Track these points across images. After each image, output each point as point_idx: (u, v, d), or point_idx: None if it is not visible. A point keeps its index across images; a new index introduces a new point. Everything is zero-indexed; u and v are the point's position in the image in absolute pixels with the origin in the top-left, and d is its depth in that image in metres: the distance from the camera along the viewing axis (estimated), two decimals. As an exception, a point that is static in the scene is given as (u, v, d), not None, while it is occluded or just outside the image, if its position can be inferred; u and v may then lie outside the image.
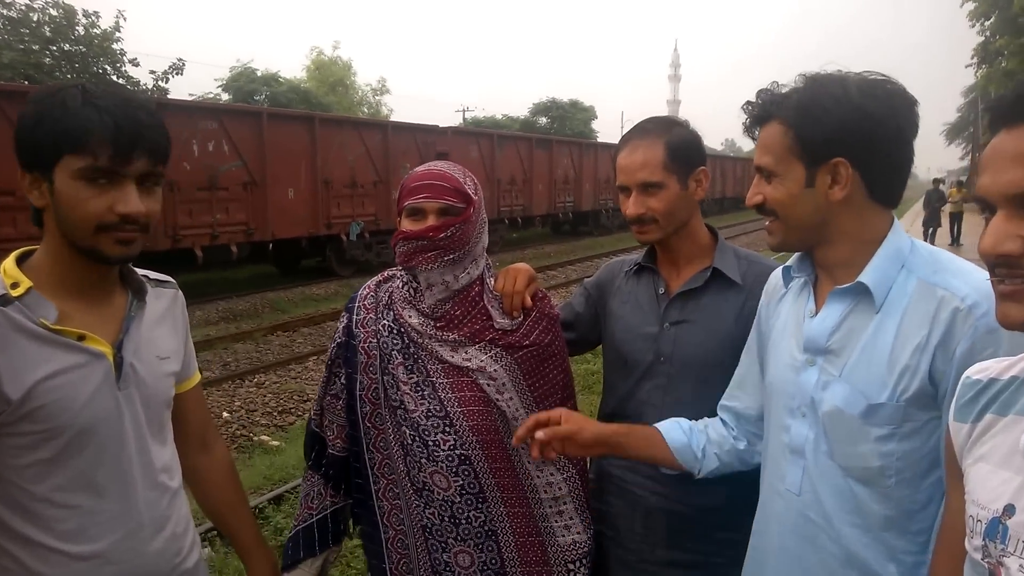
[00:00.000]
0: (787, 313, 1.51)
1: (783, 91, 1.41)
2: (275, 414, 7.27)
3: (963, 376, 1.10)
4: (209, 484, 1.71)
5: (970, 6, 27.18)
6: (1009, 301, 0.93)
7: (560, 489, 1.74)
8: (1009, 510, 0.91)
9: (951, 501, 1.10)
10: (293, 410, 7.36)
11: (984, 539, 0.93)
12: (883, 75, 1.36)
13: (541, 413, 1.59)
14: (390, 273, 1.83)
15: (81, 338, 1.35)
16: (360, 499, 1.78)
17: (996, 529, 0.92)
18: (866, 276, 1.34)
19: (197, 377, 1.70)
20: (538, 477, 1.73)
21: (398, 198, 1.72)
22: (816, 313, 1.42)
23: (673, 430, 1.67)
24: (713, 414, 1.73)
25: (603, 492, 1.91)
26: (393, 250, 1.70)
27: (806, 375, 1.40)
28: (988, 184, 0.93)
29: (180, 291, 1.65)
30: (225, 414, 7.10)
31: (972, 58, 27.81)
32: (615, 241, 23.88)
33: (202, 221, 12.18)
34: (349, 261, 15.50)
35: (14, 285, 1.30)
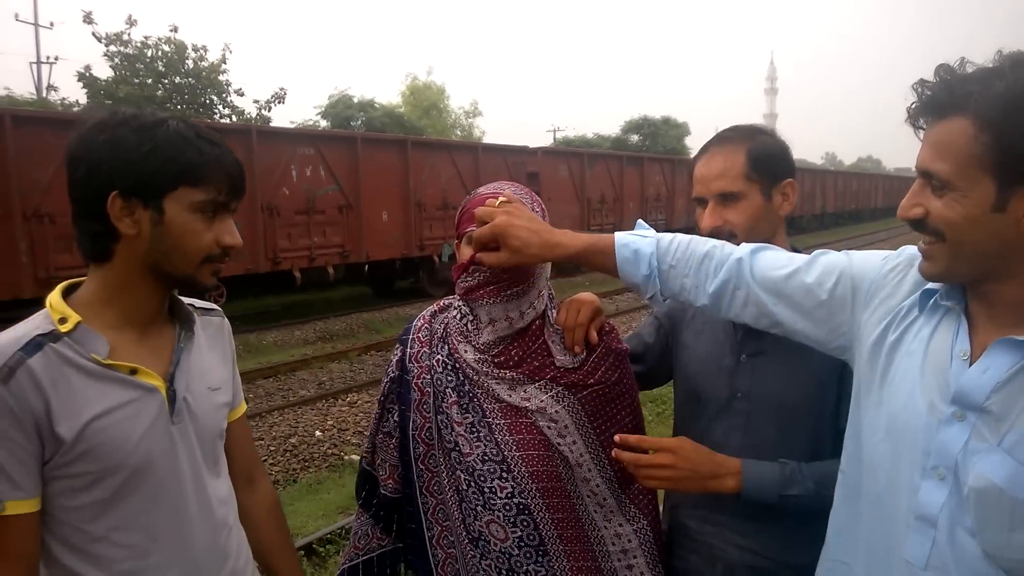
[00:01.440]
0: (922, 343, 1.22)
1: (980, 74, 1.07)
2: (366, 433, 7.32)
3: None
4: (253, 522, 1.64)
5: None
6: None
7: (630, 542, 1.61)
8: None
9: None
10: (383, 430, 7.42)
11: None
12: None
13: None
14: (447, 303, 1.72)
15: (133, 372, 1.32)
16: (413, 545, 1.68)
17: None
18: None
19: (243, 407, 1.66)
20: (605, 528, 1.60)
21: (457, 223, 1.61)
22: (971, 358, 1.14)
23: (628, 271, 1.47)
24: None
25: (677, 546, 1.76)
26: (454, 283, 1.60)
27: (951, 432, 1.13)
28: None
29: (226, 319, 1.62)
30: (318, 433, 7.24)
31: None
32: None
33: (300, 244, 12.57)
34: (441, 282, 15.67)
35: (62, 320, 1.28)
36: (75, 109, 19.25)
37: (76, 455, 1.25)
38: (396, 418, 1.67)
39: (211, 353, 1.51)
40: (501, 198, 1.49)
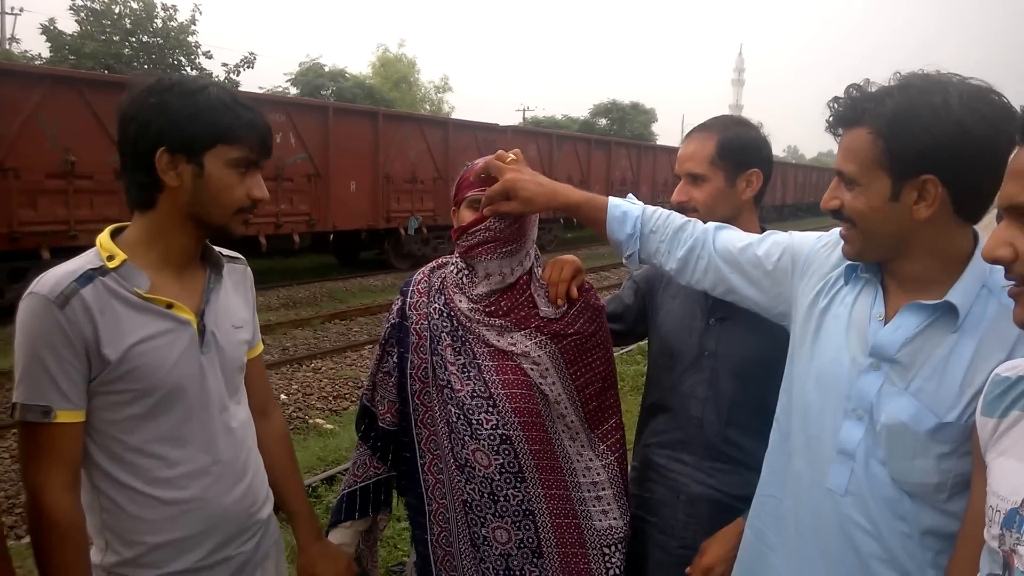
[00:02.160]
0: (846, 308, 1.46)
1: (876, 92, 1.32)
2: (330, 399, 7.51)
3: (993, 373, 1.13)
4: (265, 448, 1.82)
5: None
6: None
7: (599, 475, 1.80)
8: None
9: (975, 493, 1.13)
10: (348, 396, 7.59)
11: (1001, 528, 0.97)
12: (987, 84, 1.26)
13: None
14: (444, 260, 1.91)
15: (169, 306, 1.50)
16: (406, 472, 1.86)
17: (1013, 519, 0.96)
18: (954, 295, 1.29)
19: (260, 347, 1.85)
20: (578, 461, 1.79)
21: (456, 190, 1.80)
22: (885, 319, 1.38)
23: (615, 228, 1.72)
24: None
25: (646, 480, 1.97)
26: (453, 242, 1.79)
27: (868, 379, 1.36)
28: (999, 196, 1.02)
29: (249, 267, 1.80)
30: (283, 396, 7.37)
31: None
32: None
33: (267, 210, 12.51)
34: (406, 255, 15.76)
35: (110, 257, 1.46)
36: (38, 62, 18.80)
37: (119, 375, 1.43)
38: (395, 359, 1.85)
39: (235, 296, 1.70)
40: (511, 156, 1.71)
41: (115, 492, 1.49)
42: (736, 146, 1.86)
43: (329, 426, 6.53)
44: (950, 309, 1.30)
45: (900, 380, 1.33)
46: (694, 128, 1.95)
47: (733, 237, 1.69)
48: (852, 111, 1.33)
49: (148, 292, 1.47)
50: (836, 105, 1.37)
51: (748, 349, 1.81)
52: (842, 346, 1.42)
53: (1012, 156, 1.02)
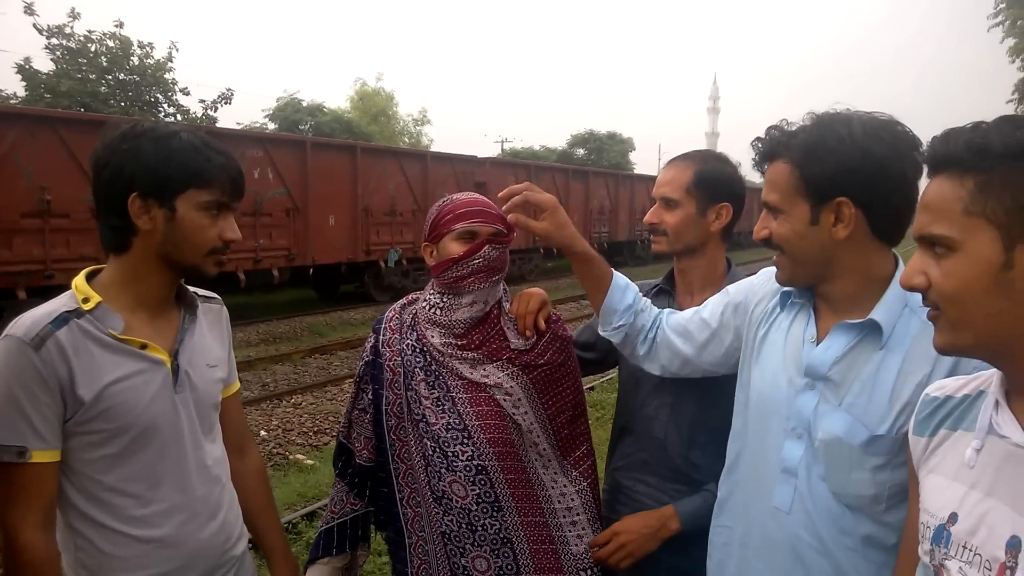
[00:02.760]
0: (782, 332, 1.55)
1: (791, 129, 1.45)
2: (311, 434, 7.44)
3: (924, 393, 1.19)
4: (241, 485, 1.84)
5: (1010, 42, 26.89)
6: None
7: (573, 500, 1.85)
8: (953, 518, 1.00)
9: (911, 508, 1.18)
10: (328, 430, 7.53)
11: (931, 544, 1.02)
12: (890, 117, 1.41)
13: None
14: (414, 297, 1.95)
15: (143, 347, 1.52)
16: (385, 507, 1.89)
17: (941, 535, 1.01)
18: (877, 314, 1.38)
19: (237, 385, 1.88)
20: (552, 488, 1.83)
21: (436, 223, 1.81)
22: (817, 340, 1.46)
23: (616, 297, 1.79)
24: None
25: (615, 502, 2.03)
26: (437, 275, 1.81)
27: (804, 398, 1.44)
28: (913, 227, 1.11)
29: (224, 307, 1.83)
30: (263, 432, 7.30)
31: (1013, 94, 27.44)
32: (650, 272, 23.67)
33: (246, 246, 12.50)
34: (386, 287, 15.76)
35: (85, 300, 1.48)
36: (13, 102, 18.74)
37: (94, 414, 1.45)
38: (370, 396, 1.88)
39: (211, 335, 1.72)
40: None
41: (90, 531, 1.50)
42: (711, 178, 1.93)
43: (310, 461, 6.48)
44: (875, 327, 1.38)
45: (833, 397, 1.40)
46: (676, 156, 2.04)
47: (681, 313, 1.83)
48: (771, 146, 1.47)
49: (122, 333, 1.49)
50: (759, 144, 1.51)
51: (707, 375, 1.85)
52: (779, 369, 1.51)
53: (923, 189, 1.10)
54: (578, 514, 1.85)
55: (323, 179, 13.77)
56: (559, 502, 1.83)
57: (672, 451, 1.92)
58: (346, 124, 28.26)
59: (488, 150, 45.05)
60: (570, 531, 1.84)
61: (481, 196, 1.86)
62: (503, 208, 1.77)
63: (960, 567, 0.97)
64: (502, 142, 47.36)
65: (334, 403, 8.48)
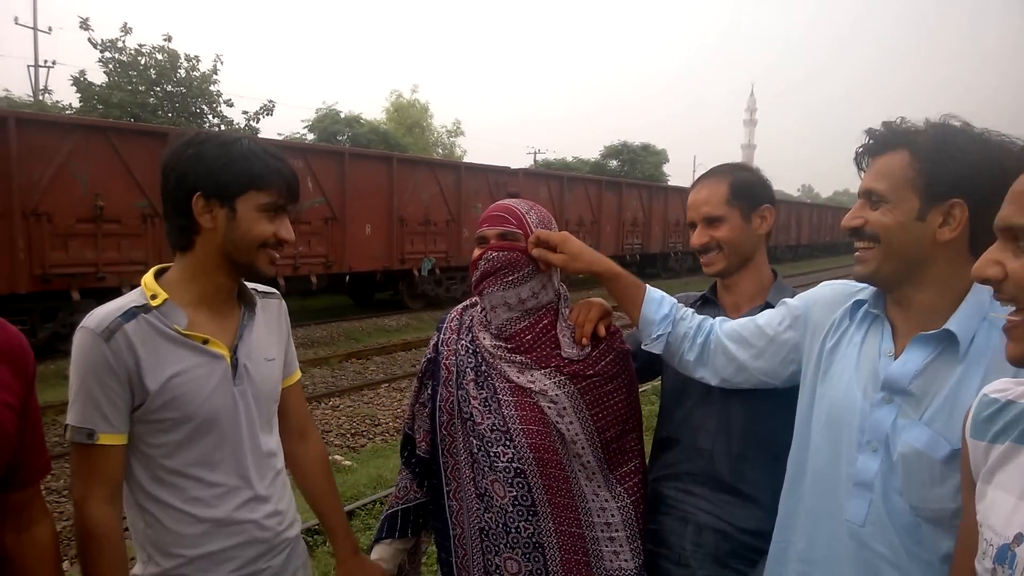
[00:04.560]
0: (855, 346, 1.51)
1: (917, 124, 1.42)
2: (348, 436, 7.64)
3: (981, 393, 1.15)
4: (305, 470, 1.97)
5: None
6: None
7: (613, 516, 1.82)
8: (1019, 538, 0.97)
9: (967, 515, 1.14)
10: (365, 433, 7.73)
11: (994, 563, 0.99)
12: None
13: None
14: (475, 299, 1.99)
15: (205, 342, 1.64)
16: (435, 498, 1.95)
17: (1005, 555, 0.97)
18: (953, 324, 1.34)
19: (298, 375, 1.99)
20: (592, 500, 1.82)
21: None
22: (895, 354, 1.43)
23: (651, 309, 1.81)
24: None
25: (656, 512, 1.98)
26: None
27: (882, 412, 1.40)
28: (997, 218, 1.06)
29: (283, 301, 1.94)
30: (302, 433, 7.50)
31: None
32: (683, 285, 23.64)
33: (286, 252, 12.45)
34: (420, 295, 15.99)
35: (153, 296, 1.60)
36: (69, 112, 19.40)
37: (159, 404, 1.57)
38: (429, 392, 1.96)
39: (269, 329, 1.83)
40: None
41: (156, 509, 1.63)
42: (747, 184, 1.95)
43: (347, 463, 6.64)
44: (951, 339, 1.35)
45: (913, 411, 1.37)
46: (702, 177, 2.04)
47: (735, 321, 1.81)
48: (893, 135, 1.44)
49: (186, 329, 1.61)
50: (875, 132, 1.47)
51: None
52: (853, 382, 1.48)
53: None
54: (617, 530, 1.82)
55: (360, 189, 14.05)
56: (598, 516, 1.82)
57: (719, 463, 1.87)
58: (382, 135, 28.51)
59: (522, 161, 45.27)
60: (606, 546, 1.82)
61: (507, 202, 1.91)
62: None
63: None
64: (535, 153, 47.48)
65: (370, 407, 8.69)
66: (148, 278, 1.66)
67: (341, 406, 8.73)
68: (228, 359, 1.67)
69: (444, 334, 1.99)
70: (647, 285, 1.88)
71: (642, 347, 1.86)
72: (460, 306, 2.06)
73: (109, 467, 1.57)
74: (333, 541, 2.00)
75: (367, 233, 14.41)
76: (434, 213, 15.83)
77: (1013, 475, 1.03)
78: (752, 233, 1.95)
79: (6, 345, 1.37)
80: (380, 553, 2.01)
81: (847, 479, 1.44)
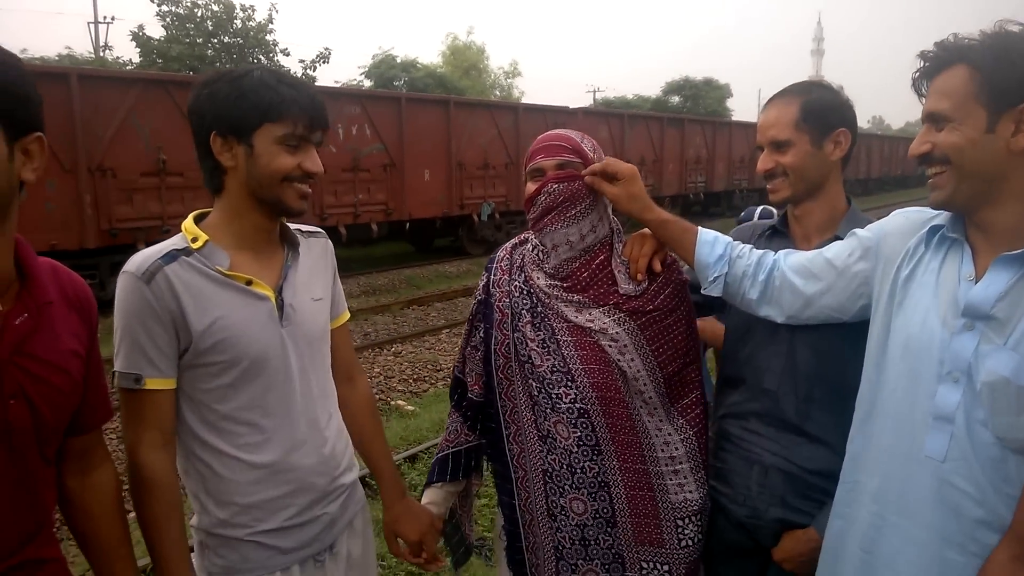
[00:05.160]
0: (932, 273, 1.45)
1: (973, 36, 1.36)
2: (411, 381, 7.70)
3: None
4: (351, 413, 1.91)
5: None
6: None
7: (676, 449, 1.81)
8: None
9: None
10: (427, 378, 7.78)
11: None
12: None
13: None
14: (524, 237, 1.96)
15: (249, 283, 1.60)
16: (493, 441, 1.92)
17: None
18: None
19: (346, 316, 1.93)
20: (656, 436, 1.80)
21: (524, 165, 1.86)
22: (975, 278, 1.37)
23: (705, 251, 1.76)
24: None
25: (720, 450, 1.96)
26: (527, 218, 1.83)
27: (962, 340, 1.35)
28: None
29: (329, 240, 1.88)
30: (366, 380, 7.60)
31: None
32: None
33: (346, 201, 12.91)
34: (480, 240, 15.95)
35: (194, 239, 1.57)
36: (129, 67, 19.72)
37: (206, 347, 1.54)
38: (482, 334, 1.92)
39: (315, 269, 1.78)
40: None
41: (209, 456, 1.61)
42: (820, 107, 1.81)
43: (410, 407, 6.71)
44: None
45: (997, 336, 1.31)
46: (774, 95, 1.90)
47: (802, 253, 1.75)
48: (949, 52, 1.37)
49: (228, 270, 1.57)
50: (929, 53, 1.40)
51: (827, 323, 1.75)
52: (931, 311, 1.42)
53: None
54: (681, 463, 1.81)
55: (418, 134, 13.95)
56: (662, 451, 1.81)
57: (785, 403, 1.82)
58: (439, 79, 28.34)
59: (580, 100, 44.39)
60: (671, 479, 1.81)
61: (561, 131, 1.83)
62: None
63: None
64: (594, 92, 46.59)
65: (432, 352, 8.73)
66: (188, 222, 1.62)
67: (403, 352, 8.79)
68: (273, 300, 1.63)
69: (495, 275, 1.92)
70: (698, 227, 1.81)
71: (702, 291, 1.81)
72: (509, 244, 1.97)
73: (159, 412, 1.55)
74: (380, 485, 1.97)
75: (426, 179, 14.36)
76: (493, 157, 15.67)
77: None
78: (824, 159, 1.82)
79: (75, 296, 1.39)
80: (431, 497, 1.98)
81: (925, 414, 1.39)
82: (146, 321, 1.51)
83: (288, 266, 1.69)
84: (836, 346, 1.74)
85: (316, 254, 1.81)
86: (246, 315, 1.58)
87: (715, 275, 1.76)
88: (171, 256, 1.54)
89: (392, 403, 6.94)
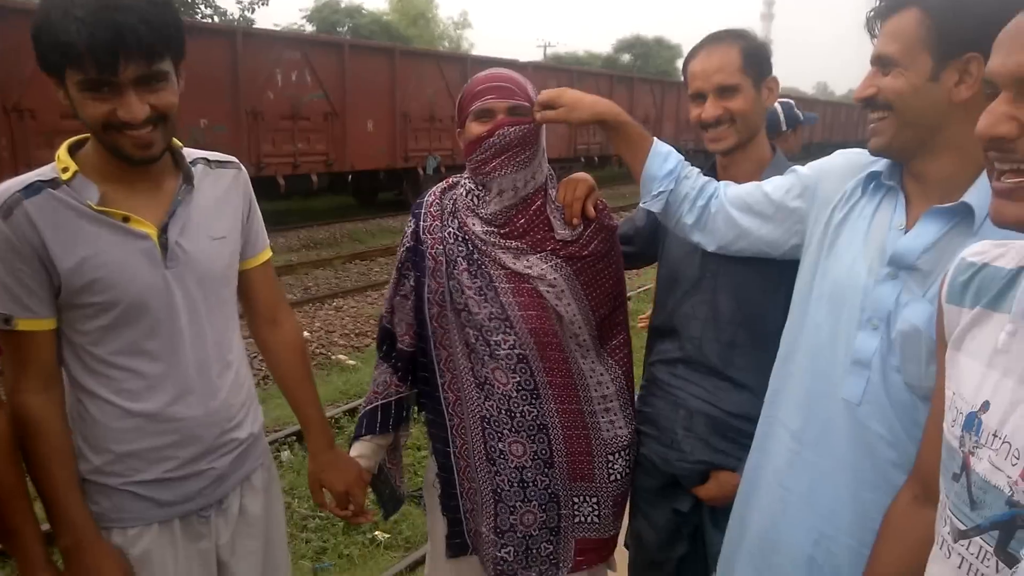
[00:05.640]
0: (866, 219, 1.46)
1: None
2: (352, 336, 7.59)
3: (959, 257, 1.10)
4: (275, 357, 1.83)
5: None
6: (1005, 199, 0.93)
7: (608, 388, 1.86)
8: (985, 406, 0.94)
9: (939, 382, 1.12)
10: (369, 333, 7.65)
11: (962, 430, 0.97)
12: None
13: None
14: (454, 180, 1.91)
15: (126, 219, 1.45)
16: (426, 391, 1.91)
17: (972, 422, 0.96)
18: (971, 196, 1.28)
19: (265, 255, 1.78)
20: (590, 377, 1.84)
21: (459, 106, 1.77)
22: (906, 227, 1.38)
23: (656, 163, 1.74)
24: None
25: (649, 395, 2.02)
26: (467, 160, 1.77)
27: (885, 288, 1.37)
28: (998, 65, 0.93)
29: (243, 171, 1.72)
30: (306, 333, 7.44)
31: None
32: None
33: (284, 150, 12.51)
34: (426, 191, 15.67)
35: (64, 170, 1.41)
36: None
37: (79, 287, 1.41)
38: (412, 283, 1.87)
39: (219, 204, 1.62)
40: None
41: (87, 401, 1.50)
42: (757, 52, 1.81)
43: (351, 362, 6.64)
44: (967, 212, 1.28)
45: (918, 287, 1.33)
46: (706, 41, 1.85)
47: (741, 186, 1.74)
48: None
49: (100, 204, 1.42)
50: None
51: (748, 272, 1.79)
52: (859, 257, 1.43)
53: (1014, 20, 0.93)
54: (611, 400, 1.88)
55: (361, 83, 13.53)
56: (595, 390, 1.85)
57: (708, 349, 1.87)
58: (384, 26, 27.66)
59: (531, 55, 43.97)
60: (603, 417, 1.87)
61: (505, 70, 1.77)
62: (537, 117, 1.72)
63: (989, 456, 0.91)
64: (545, 47, 46.11)
65: (374, 307, 8.59)
66: (61, 151, 1.45)
67: (345, 307, 8.65)
68: (155, 238, 1.48)
69: (424, 220, 1.86)
70: (655, 138, 1.78)
71: (641, 204, 1.82)
72: (438, 189, 1.91)
73: (37, 355, 1.44)
74: (306, 433, 1.88)
75: (369, 130, 13.97)
76: (439, 109, 15.33)
77: (981, 342, 0.99)
78: (761, 105, 1.84)
79: None
80: (359, 450, 1.94)
81: (845, 357, 1.41)
82: (7, 258, 1.38)
83: (179, 201, 1.53)
84: (757, 293, 1.79)
85: (223, 187, 1.65)
86: (120, 254, 1.44)
87: (660, 190, 1.74)
88: (34, 188, 1.39)
89: (333, 357, 6.84)
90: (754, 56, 1.80)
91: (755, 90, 1.81)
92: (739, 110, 1.79)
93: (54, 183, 1.40)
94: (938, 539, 1.01)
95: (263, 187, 12.93)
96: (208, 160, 1.64)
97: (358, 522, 1.94)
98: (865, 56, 1.44)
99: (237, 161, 1.71)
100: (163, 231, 1.49)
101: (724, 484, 1.83)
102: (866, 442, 1.39)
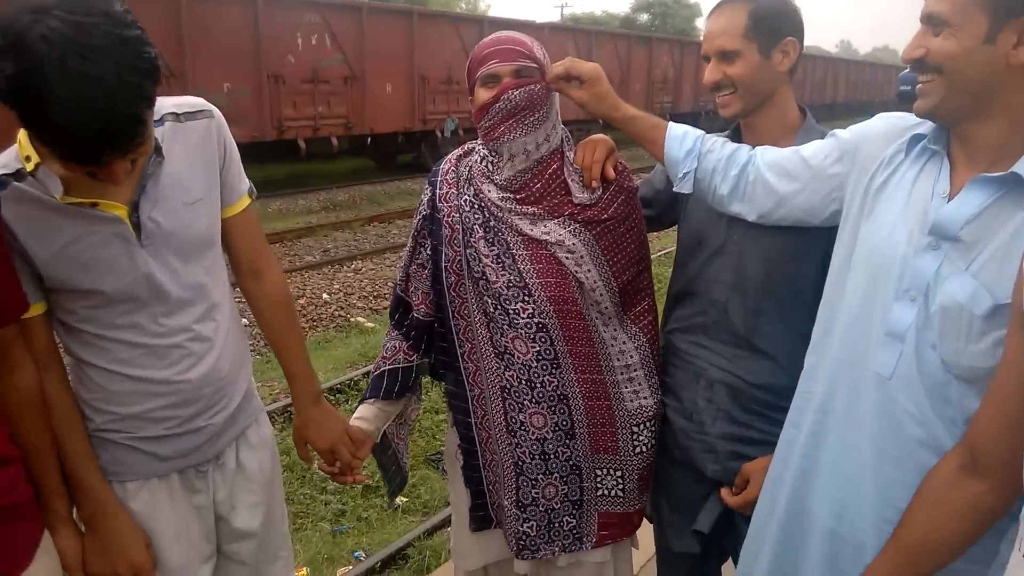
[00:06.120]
0: (907, 184, 1.37)
1: None
2: (371, 298, 7.74)
3: None
4: (259, 310, 1.78)
5: None
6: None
7: (631, 357, 1.82)
8: None
9: (1013, 353, 1.07)
10: (387, 295, 7.72)
11: None
12: None
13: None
14: (470, 147, 1.87)
15: (95, 205, 1.40)
16: (446, 361, 1.87)
17: None
18: (1022, 166, 1.19)
19: (244, 202, 1.70)
20: (612, 345, 1.80)
21: (468, 72, 1.75)
22: (949, 195, 1.29)
23: (674, 146, 1.70)
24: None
25: (667, 364, 1.95)
26: (477, 126, 1.75)
27: (925, 259, 1.28)
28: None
29: (215, 117, 1.61)
30: (324, 296, 7.64)
31: None
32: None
33: (305, 113, 12.59)
34: (443, 157, 15.69)
35: (27, 159, 1.34)
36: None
37: (62, 276, 1.42)
38: (428, 251, 1.84)
39: (192, 162, 1.55)
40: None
41: (89, 370, 1.53)
42: (769, 14, 1.71)
43: (370, 324, 6.77)
44: (1019, 182, 1.20)
45: (960, 260, 1.25)
46: (721, 2, 1.78)
47: (778, 151, 1.66)
48: None
49: (65, 195, 1.37)
50: None
51: (776, 238, 1.71)
52: (899, 224, 1.35)
53: None
54: (635, 370, 1.83)
55: (380, 46, 13.54)
56: (618, 359, 1.81)
57: (734, 315, 1.79)
58: (402, -13, 27.37)
59: (548, 15, 43.30)
60: (626, 387, 1.83)
61: (510, 32, 1.73)
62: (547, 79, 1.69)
63: None
64: (562, 7, 45.45)
65: (393, 269, 8.69)
66: (22, 135, 1.35)
67: (363, 269, 8.79)
68: (127, 218, 1.45)
69: (440, 188, 1.85)
70: (667, 122, 1.76)
71: (674, 189, 1.76)
72: (454, 156, 1.90)
73: (32, 338, 1.46)
74: (291, 387, 1.84)
75: (388, 92, 14.01)
76: (457, 71, 15.23)
77: None
78: (772, 70, 1.73)
79: None
80: (363, 412, 1.91)
81: (879, 328, 1.34)
82: None
83: (148, 175, 1.46)
84: (786, 257, 1.72)
85: (195, 141, 1.57)
86: (95, 241, 1.42)
87: (685, 171, 1.69)
88: (0, 183, 1.36)
89: (352, 320, 7.00)
90: (765, 19, 1.70)
91: (761, 54, 1.71)
92: (738, 76, 1.72)
93: (19, 175, 1.36)
94: (1020, 544, 0.96)
95: (285, 150, 13.10)
96: (177, 114, 1.55)
97: (344, 482, 1.89)
98: (890, 12, 1.40)
99: (210, 108, 1.62)
100: (134, 209, 1.46)
101: (760, 479, 1.72)
102: (894, 418, 1.32)
